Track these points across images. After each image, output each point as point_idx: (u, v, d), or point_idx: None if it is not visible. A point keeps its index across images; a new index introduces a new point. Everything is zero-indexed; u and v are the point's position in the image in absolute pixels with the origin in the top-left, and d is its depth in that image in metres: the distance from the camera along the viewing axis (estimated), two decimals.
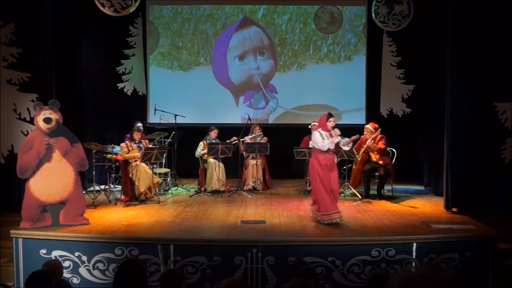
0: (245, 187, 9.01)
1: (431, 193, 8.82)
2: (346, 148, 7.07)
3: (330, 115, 6.64)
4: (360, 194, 8.11)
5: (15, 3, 7.49)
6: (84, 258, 5.77)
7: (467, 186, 7.26)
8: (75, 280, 5.76)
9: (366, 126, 8.50)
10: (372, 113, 10.17)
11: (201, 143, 8.93)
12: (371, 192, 8.34)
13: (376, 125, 8.22)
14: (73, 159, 6.31)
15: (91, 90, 10.02)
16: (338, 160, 8.62)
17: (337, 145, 6.75)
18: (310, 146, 8.77)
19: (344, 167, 8.67)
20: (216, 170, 8.68)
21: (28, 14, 7.51)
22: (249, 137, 9.21)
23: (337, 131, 6.64)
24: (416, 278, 1.75)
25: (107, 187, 8.48)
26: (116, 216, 6.93)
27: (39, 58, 7.60)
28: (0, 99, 7.51)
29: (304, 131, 9.27)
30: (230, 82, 10.67)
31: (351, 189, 8.29)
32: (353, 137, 6.95)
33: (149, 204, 7.80)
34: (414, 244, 5.76)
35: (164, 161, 9.07)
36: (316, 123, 9.21)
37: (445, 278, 1.71)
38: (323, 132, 6.59)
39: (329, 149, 6.54)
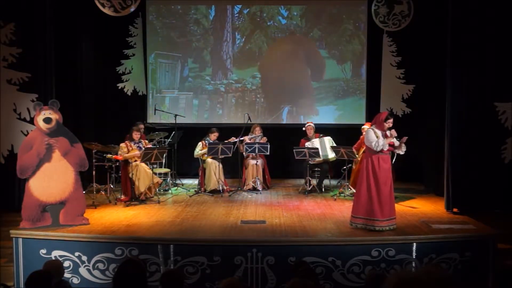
0: (245, 187, 9.00)
1: (431, 193, 8.81)
2: (401, 152, 6.40)
3: (390, 115, 6.17)
4: None
5: (15, 3, 7.49)
6: (84, 258, 5.77)
7: (467, 186, 7.26)
8: (75, 280, 5.76)
9: (363, 126, 8.49)
10: (372, 113, 10.13)
11: (199, 143, 8.92)
12: None
13: None
14: (73, 159, 6.31)
15: (91, 90, 10.04)
16: (336, 159, 8.64)
17: (390, 147, 6.23)
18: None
19: (344, 167, 8.68)
20: (215, 170, 8.68)
21: (28, 14, 7.51)
22: (249, 137, 9.21)
23: (393, 132, 6.17)
24: (412, 278, 1.74)
25: (107, 187, 8.48)
26: (116, 216, 6.93)
27: (39, 58, 7.60)
28: (0, 99, 7.51)
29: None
30: None
31: (351, 189, 8.28)
32: (403, 139, 6.30)
33: (149, 204, 7.80)
34: (414, 244, 5.76)
35: (164, 161, 9.07)
36: (311, 124, 9.24)
37: (442, 278, 1.71)
38: (377, 131, 6.10)
39: (382, 149, 6.08)
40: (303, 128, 9.18)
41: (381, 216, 6.00)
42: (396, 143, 6.25)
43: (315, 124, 9.29)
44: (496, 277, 5.55)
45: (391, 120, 6.12)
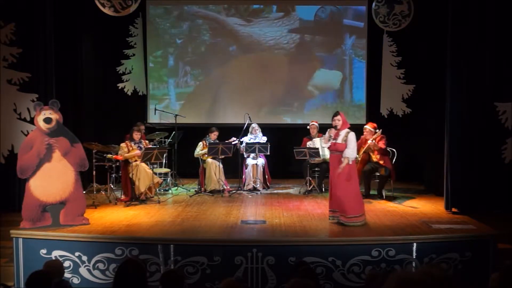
0: (245, 187, 9.00)
1: (431, 193, 8.81)
2: (348, 158, 6.38)
3: (336, 114, 6.67)
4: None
5: (15, 3, 7.49)
6: (84, 258, 5.77)
7: (467, 186, 7.26)
8: (75, 280, 5.76)
9: (365, 126, 8.49)
10: (372, 113, 10.16)
11: (200, 143, 8.93)
12: (372, 192, 8.34)
13: (375, 125, 8.21)
14: (73, 159, 6.31)
15: (91, 90, 10.04)
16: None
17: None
18: (308, 145, 8.80)
19: None
20: (215, 170, 8.67)
21: (28, 14, 7.50)
22: (249, 137, 9.21)
23: (331, 132, 6.60)
24: (413, 279, 1.74)
25: (107, 186, 8.48)
26: (116, 216, 6.94)
27: (39, 58, 7.59)
28: (0, 99, 7.51)
29: (304, 131, 9.26)
30: None
31: None
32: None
33: (149, 204, 7.80)
34: (414, 244, 5.76)
35: (164, 161, 9.08)
36: (315, 123, 9.24)
37: (443, 278, 1.71)
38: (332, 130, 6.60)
39: (331, 147, 6.56)
40: (307, 127, 9.18)
41: (349, 212, 6.30)
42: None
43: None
44: (501, 277, 5.53)
45: (336, 118, 6.55)
